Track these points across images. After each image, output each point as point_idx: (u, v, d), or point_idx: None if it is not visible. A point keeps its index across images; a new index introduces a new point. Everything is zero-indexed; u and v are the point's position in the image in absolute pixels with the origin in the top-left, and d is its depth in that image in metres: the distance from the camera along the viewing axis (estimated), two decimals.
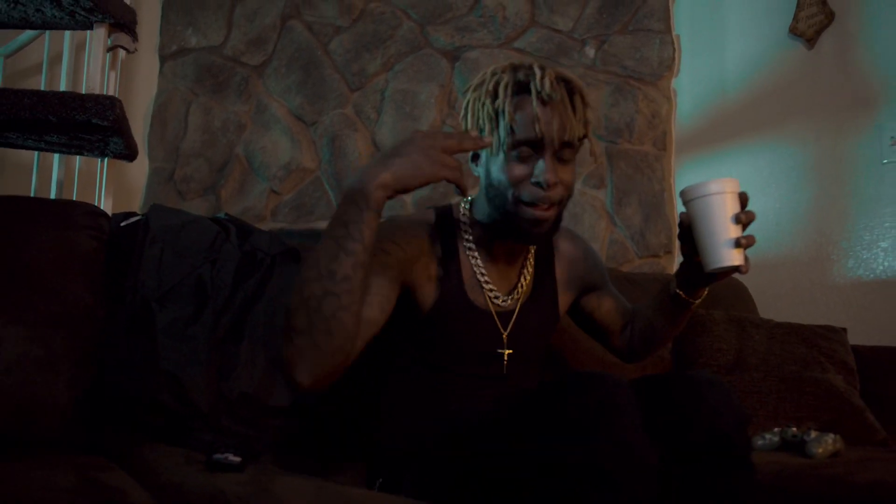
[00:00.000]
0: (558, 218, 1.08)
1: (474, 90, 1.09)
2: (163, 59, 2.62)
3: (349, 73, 2.53)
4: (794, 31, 2.11)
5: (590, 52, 2.47)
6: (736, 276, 2.03)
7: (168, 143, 2.55)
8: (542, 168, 1.02)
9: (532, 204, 1.03)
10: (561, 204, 1.07)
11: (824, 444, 1.26)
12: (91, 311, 1.23)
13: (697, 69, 2.46)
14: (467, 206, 1.18)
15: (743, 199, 1.00)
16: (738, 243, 0.97)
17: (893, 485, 0.97)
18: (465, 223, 1.17)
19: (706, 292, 1.17)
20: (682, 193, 1.01)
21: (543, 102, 1.02)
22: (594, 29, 2.48)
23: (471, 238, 1.16)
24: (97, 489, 0.80)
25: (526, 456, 0.90)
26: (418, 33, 2.53)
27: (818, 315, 1.98)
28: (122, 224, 1.37)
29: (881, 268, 1.87)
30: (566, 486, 0.83)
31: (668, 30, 2.48)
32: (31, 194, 2.00)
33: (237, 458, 0.96)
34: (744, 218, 0.98)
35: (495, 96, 1.04)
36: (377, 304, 1.01)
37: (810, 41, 2.07)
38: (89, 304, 1.23)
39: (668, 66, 2.46)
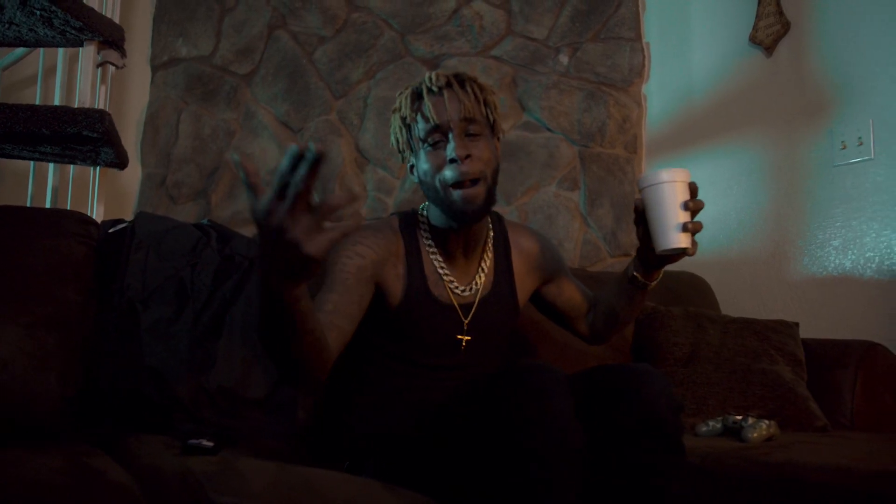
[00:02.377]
0: (489, 195, 1.19)
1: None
2: (154, 69, 2.72)
3: (333, 82, 2.63)
4: (753, 40, 2.20)
5: (563, 59, 2.57)
6: (699, 273, 2.15)
7: (160, 149, 2.65)
8: (451, 146, 1.16)
9: (458, 185, 1.16)
10: (486, 180, 1.18)
11: (759, 429, 1.36)
12: (81, 312, 1.33)
13: (666, 75, 2.56)
14: (425, 212, 1.30)
15: (693, 188, 1.10)
16: (685, 228, 1.07)
17: (801, 463, 1.07)
18: (423, 224, 1.29)
19: (661, 275, 1.27)
20: (639, 181, 1.11)
21: (434, 94, 1.17)
22: (567, 37, 2.58)
23: (429, 237, 1.28)
24: (81, 469, 0.90)
25: (469, 442, 1.01)
26: (399, 42, 2.63)
27: (776, 310, 2.07)
28: (111, 231, 1.47)
29: (832, 265, 1.97)
30: (502, 467, 0.93)
31: (639, 37, 2.58)
32: (28, 201, 2.11)
33: (210, 443, 1.06)
34: (692, 205, 1.08)
35: (400, 109, 1.22)
36: (355, 302, 1.15)
37: (768, 49, 2.16)
38: (80, 306, 1.33)
39: (638, 72, 2.56)
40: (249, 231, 2.42)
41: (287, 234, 0.75)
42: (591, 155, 2.53)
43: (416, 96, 1.20)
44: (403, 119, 1.22)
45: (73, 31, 1.73)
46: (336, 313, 1.10)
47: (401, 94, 1.24)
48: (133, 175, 2.63)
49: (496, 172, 1.21)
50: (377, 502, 0.92)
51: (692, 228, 1.08)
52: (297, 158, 0.73)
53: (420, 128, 1.19)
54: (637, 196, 1.13)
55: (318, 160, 0.71)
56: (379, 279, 1.22)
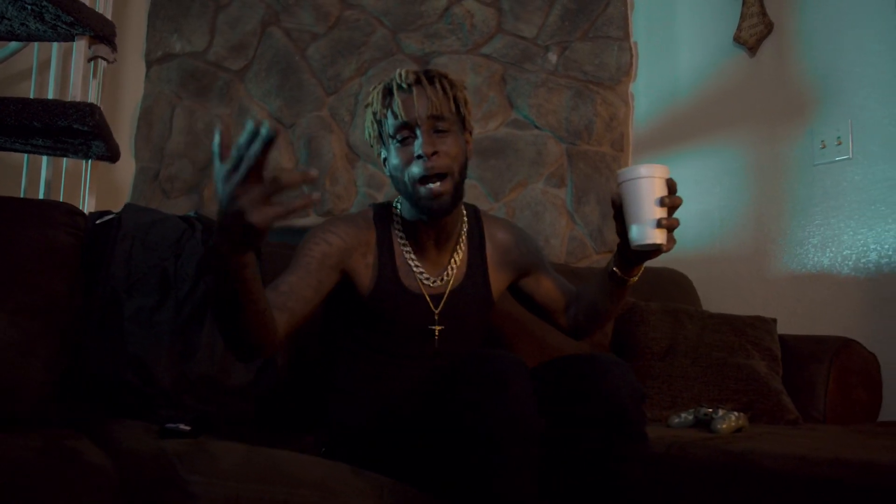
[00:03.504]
0: (456, 191, 1.22)
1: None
2: (149, 64, 2.75)
3: (325, 78, 2.66)
4: (737, 40, 2.23)
5: (552, 58, 2.60)
6: (681, 269, 2.18)
7: (154, 144, 2.69)
8: (419, 143, 1.19)
9: (425, 180, 1.19)
10: (453, 175, 1.21)
11: (728, 420, 1.39)
12: (67, 301, 1.36)
13: (653, 74, 2.59)
14: (398, 205, 1.33)
15: (671, 184, 1.07)
16: (660, 224, 1.05)
17: (759, 451, 1.10)
18: (396, 217, 1.32)
19: (641, 271, 1.24)
20: (617, 176, 1.09)
21: (404, 91, 1.20)
22: (557, 36, 2.61)
23: (401, 230, 1.31)
24: (59, 450, 0.94)
25: (433, 428, 1.04)
26: (390, 40, 2.66)
27: (756, 306, 2.10)
28: (98, 222, 1.50)
29: (811, 263, 2.01)
30: (461, 452, 0.97)
31: (627, 37, 2.61)
32: (21, 193, 2.14)
33: (187, 427, 1.10)
34: (668, 202, 1.05)
35: (372, 105, 1.25)
36: (312, 286, 1.18)
37: (752, 49, 2.19)
38: (66, 295, 1.36)
39: (625, 71, 2.59)
40: None
41: (236, 201, 0.83)
42: (579, 152, 2.56)
43: (387, 92, 1.23)
44: (374, 115, 1.25)
45: (64, 26, 1.77)
46: (289, 295, 1.13)
47: (374, 89, 1.27)
48: (127, 169, 2.66)
49: (464, 167, 1.24)
50: (343, 483, 0.95)
51: (667, 225, 1.06)
52: (253, 135, 0.80)
53: (390, 124, 1.22)
54: (615, 191, 1.12)
55: (271, 140, 0.79)
56: (346, 267, 1.25)
